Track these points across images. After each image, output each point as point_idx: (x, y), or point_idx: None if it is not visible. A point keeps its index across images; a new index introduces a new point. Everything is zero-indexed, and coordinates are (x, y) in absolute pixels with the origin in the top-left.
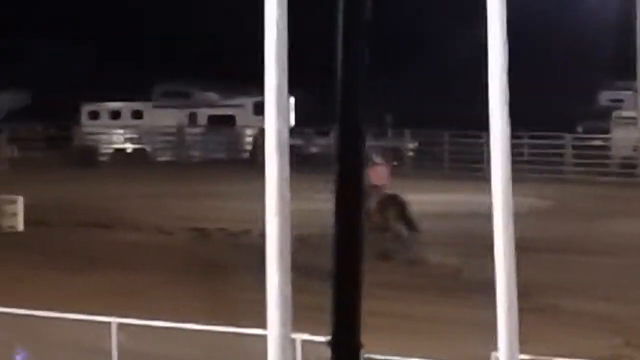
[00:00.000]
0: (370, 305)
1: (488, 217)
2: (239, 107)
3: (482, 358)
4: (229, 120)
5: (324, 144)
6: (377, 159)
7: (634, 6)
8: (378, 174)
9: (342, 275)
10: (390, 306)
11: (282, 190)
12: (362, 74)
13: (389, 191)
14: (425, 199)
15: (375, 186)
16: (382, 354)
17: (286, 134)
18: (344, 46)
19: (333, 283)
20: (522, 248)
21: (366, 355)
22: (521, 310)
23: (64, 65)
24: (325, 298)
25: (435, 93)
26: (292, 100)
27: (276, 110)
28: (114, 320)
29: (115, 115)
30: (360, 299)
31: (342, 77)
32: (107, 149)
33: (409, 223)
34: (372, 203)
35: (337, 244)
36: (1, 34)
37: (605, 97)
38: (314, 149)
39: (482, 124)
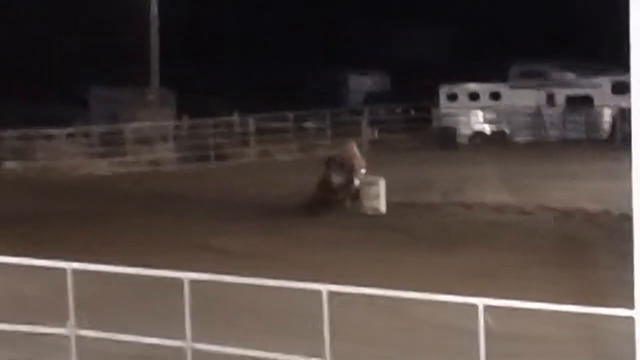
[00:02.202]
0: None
1: None
2: (596, 87)
3: None
4: (587, 100)
5: None
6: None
7: None
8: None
9: None
10: None
11: None
12: None
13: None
14: None
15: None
16: None
17: None
18: None
19: None
20: None
21: None
22: None
23: (421, 48)
24: None
25: None
26: None
27: None
28: (481, 301)
29: (474, 96)
30: None
31: None
32: (466, 130)
33: None
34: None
35: None
36: (369, 16)
37: None
38: None
39: None
